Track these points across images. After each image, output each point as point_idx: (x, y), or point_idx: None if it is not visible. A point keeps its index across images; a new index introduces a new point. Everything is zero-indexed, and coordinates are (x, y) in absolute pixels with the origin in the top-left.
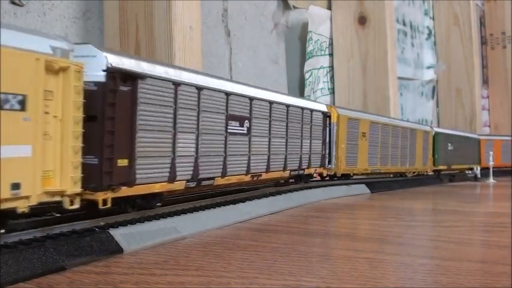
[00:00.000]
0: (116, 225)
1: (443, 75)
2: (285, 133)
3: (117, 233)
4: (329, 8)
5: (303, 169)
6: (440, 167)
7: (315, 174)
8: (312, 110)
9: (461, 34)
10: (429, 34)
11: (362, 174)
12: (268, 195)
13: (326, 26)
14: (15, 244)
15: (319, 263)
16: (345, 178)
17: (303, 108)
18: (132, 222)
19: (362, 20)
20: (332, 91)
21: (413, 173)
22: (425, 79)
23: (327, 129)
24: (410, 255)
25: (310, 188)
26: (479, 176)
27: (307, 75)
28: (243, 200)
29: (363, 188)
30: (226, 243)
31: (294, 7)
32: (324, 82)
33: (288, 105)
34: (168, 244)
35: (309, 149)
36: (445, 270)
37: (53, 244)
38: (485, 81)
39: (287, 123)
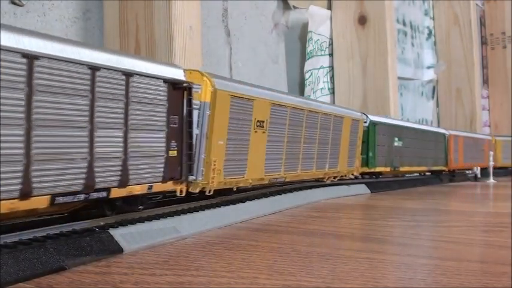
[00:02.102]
0: (116, 225)
1: (443, 75)
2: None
3: (117, 233)
4: (329, 8)
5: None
6: (378, 169)
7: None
8: (132, 74)
9: (461, 34)
10: (429, 34)
11: (253, 186)
12: (268, 195)
13: (326, 26)
14: (15, 244)
15: (319, 263)
16: (224, 195)
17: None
18: (132, 222)
19: (362, 20)
20: (332, 91)
21: (334, 178)
22: (425, 79)
23: (187, 112)
24: (410, 255)
25: (310, 188)
26: (479, 176)
27: (307, 75)
28: (243, 200)
29: (363, 188)
30: (226, 243)
31: (294, 7)
32: (324, 82)
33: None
34: (168, 244)
35: (121, 150)
36: (445, 270)
37: (53, 244)
38: (485, 81)
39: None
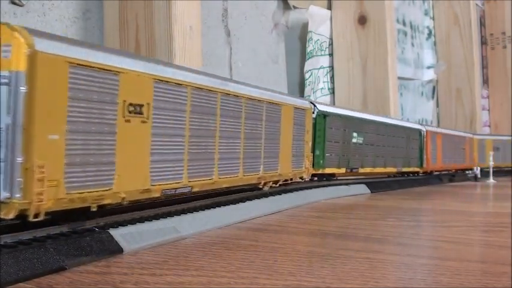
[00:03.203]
0: (116, 225)
1: (443, 75)
2: None
3: (117, 233)
4: (329, 8)
5: None
6: (328, 170)
7: None
8: None
9: (461, 34)
10: (429, 34)
11: (113, 206)
12: (268, 195)
13: (326, 26)
14: (15, 244)
15: (319, 263)
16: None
17: None
18: (132, 222)
19: (362, 20)
20: (332, 91)
21: (275, 183)
22: (425, 79)
23: None
24: (410, 255)
25: (310, 188)
26: (479, 176)
27: (307, 75)
28: (243, 200)
29: (363, 188)
30: (226, 243)
31: (294, 7)
32: (324, 82)
33: None
34: (168, 244)
35: None
36: (445, 270)
37: (53, 244)
38: (485, 81)
39: None
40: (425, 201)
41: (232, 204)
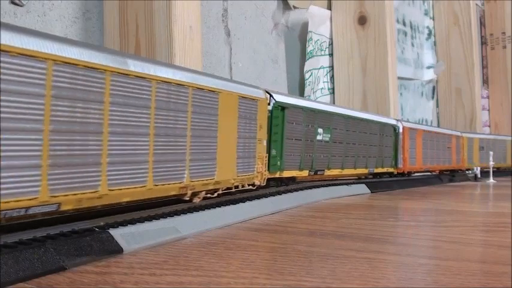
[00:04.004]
0: (116, 225)
1: (443, 75)
2: None
3: (117, 233)
4: (329, 8)
5: None
6: (287, 173)
7: None
8: None
9: (461, 34)
10: (429, 34)
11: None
12: (268, 195)
13: (326, 26)
14: (15, 244)
15: (319, 263)
16: None
17: None
18: (132, 222)
19: (362, 20)
20: (332, 91)
21: (213, 193)
22: (425, 79)
23: None
24: (410, 255)
25: (310, 188)
26: (479, 176)
27: (307, 75)
28: (243, 200)
29: (363, 188)
30: (226, 243)
31: (294, 7)
32: (324, 82)
33: None
34: (168, 244)
35: None
36: (445, 270)
37: (53, 244)
38: (485, 81)
39: None
40: (425, 201)
41: (232, 204)
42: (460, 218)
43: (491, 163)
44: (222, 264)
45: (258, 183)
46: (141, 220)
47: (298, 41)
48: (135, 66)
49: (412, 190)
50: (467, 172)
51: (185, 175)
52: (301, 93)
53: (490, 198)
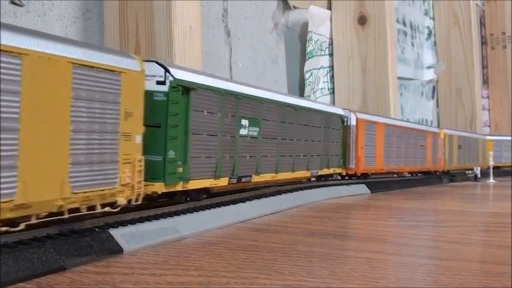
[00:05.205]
0: (116, 225)
1: (443, 75)
2: None
3: (117, 233)
4: (329, 8)
5: None
6: (198, 184)
7: None
8: None
9: (461, 34)
10: (429, 34)
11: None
12: (268, 195)
13: (326, 26)
14: (15, 244)
15: (319, 263)
16: None
17: None
18: (132, 222)
19: (362, 20)
20: (332, 91)
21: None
22: (425, 79)
23: None
24: (410, 255)
25: (310, 188)
26: (479, 176)
27: (307, 75)
28: (243, 200)
29: (362, 188)
30: (226, 243)
31: (294, 7)
32: (324, 82)
33: None
34: (168, 244)
35: None
36: (445, 270)
37: (53, 244)
38: (485, 81)
39: None
40: (425, 201)
41: (232, 204)
42: (460, 218)
43: (491, 163)
44: (222, 264)
45: (124, 202)
46: (141, 220)
47: (298, 41)
48: None
49: (412, 190)
50: (467, 172)
51: None
52: (301, 93)
53: (490, 198)
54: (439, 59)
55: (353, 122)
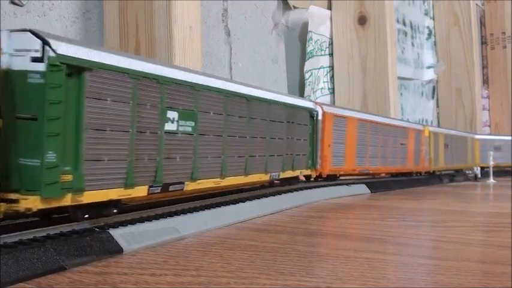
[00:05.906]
0: (116, 225)
1: (443, 75)
2: None
3: (117, 233)
4: (329, 8)
5: None
6: (96, 196)
7: None
8: None
9: (461, 34)
10: (429, 34)
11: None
12: (268, 195)
13: (326, 26)
14: (15, 244)
15: (319, 263)
16: None
17: None
18: (132, 222)
19: (362, 20)
20: (332, 91)
21: None
22: (425, 79)
23: None
24: (410, 255)
25: (310, 188)
26: (479, 176)
27: (307, 75)
28: (243, 200)
29: (363, 188)
30: (226, 243)
31: (294, 7)
32: (324, 82)
33: None
34: (168, 244)
35: None
36: (445, 270)
37: (53, 244)
38: (485, 81)
39: None
40: (425, 201)
41: (232, 204)
42: (460, 218)
43: (491, 163)
44: (222, 264)
45: None
46: (141, 220)
47: (298, 41)
48: None
49: (412, 190)
50: (467, 172)
51: None
52: (302, 93)
53: (490, 198)
54: (439, 59)
55: (319, 117)
